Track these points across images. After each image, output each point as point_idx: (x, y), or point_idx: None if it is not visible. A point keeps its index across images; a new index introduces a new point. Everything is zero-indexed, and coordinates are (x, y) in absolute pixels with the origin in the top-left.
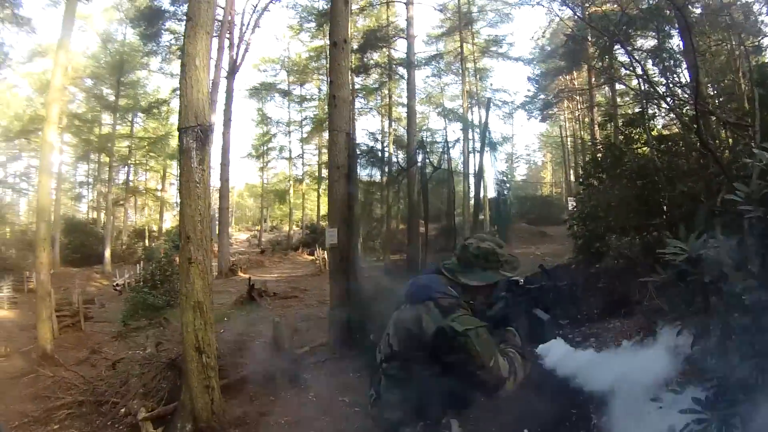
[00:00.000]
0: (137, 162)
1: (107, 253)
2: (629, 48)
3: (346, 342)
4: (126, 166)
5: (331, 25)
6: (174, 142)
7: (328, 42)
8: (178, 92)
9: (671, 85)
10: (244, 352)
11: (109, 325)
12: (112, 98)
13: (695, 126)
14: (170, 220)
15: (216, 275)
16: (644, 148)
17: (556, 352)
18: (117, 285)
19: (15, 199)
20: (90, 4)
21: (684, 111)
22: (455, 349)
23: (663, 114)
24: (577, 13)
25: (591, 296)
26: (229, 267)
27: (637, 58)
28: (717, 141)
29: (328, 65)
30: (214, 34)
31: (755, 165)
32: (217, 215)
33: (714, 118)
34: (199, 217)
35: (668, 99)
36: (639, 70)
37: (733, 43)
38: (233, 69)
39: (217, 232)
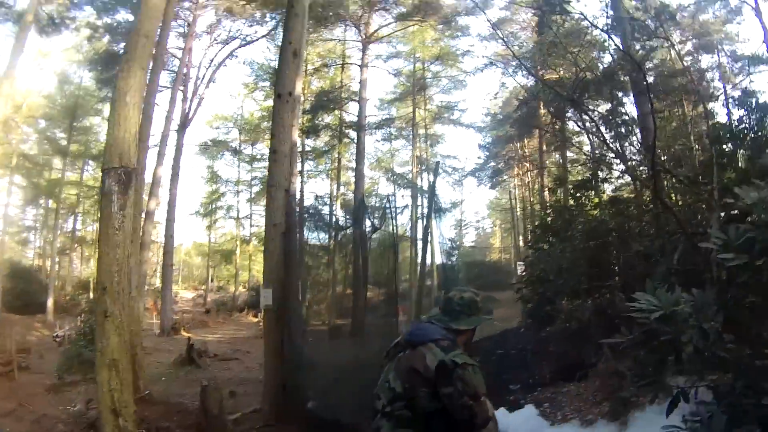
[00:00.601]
0: (85, 211)
1: (50, 303)
2: (583, 109)
3: (281, 409)
4: (73, 215)
5: (277, 76)
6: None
7: None
8: None
9: (624, 148)
10: (171, 416)
11: (44, 377)
12: (63, 142)
13: (652, 184)
14: None
15: (158, 333)
16: (595, 211)
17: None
18: (57, 336)
19: None
20: (50, 42)
21: (637, 173)
22: (455, 380)
23: (615, 178)
24: (532, 73)
25: (543, 360)
26: (171, 326)
27: (590, 120)
28: (674, 198)
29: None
30: (168, 86)
31: (715, 216)
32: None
33: (669, 179)
34: (116, 267)
35: (621, 161)
36: (592, 132)
37: (686, 107)
38: (185, 122)
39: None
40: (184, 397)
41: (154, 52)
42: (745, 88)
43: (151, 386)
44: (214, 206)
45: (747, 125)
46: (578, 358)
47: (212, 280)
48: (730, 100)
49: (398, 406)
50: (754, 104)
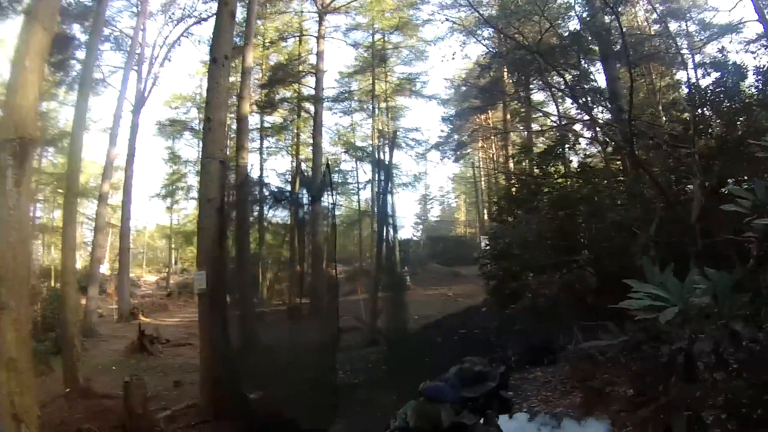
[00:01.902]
0: (46, 198)
1: None
2: (552, 66)
3: (219, 403)
4: (34, 203)
5: (213, 38)
6: (84, 178)
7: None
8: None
9: (594, 114)
10: (97, 416)
11: None
12: None
13: (629, 147)
14: (80, 261)
15: (116, 319)
16: (561, 180)
17: None
18: None
19: None
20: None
21: (608, 139)
22: None
23: (582, 147)
24: (495, 28)
25: (508, 341)
26: (130, 311)
27: (557, 86)
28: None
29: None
30: (121, 66)
31: (697, 183)
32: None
33: (646, 143)
34: (12, 253)
35: (590, 127)
36: (562, 91)
37: (653, 76)
38: (140, 102)
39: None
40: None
41: (92, 24)
42: (722, 48)
43: (99, 377)
44: (174, 187)
45: (723, 89)
46: (546, 339)
47: (176, 263)
48: (702, 67)
49: None
50: (730, 66)
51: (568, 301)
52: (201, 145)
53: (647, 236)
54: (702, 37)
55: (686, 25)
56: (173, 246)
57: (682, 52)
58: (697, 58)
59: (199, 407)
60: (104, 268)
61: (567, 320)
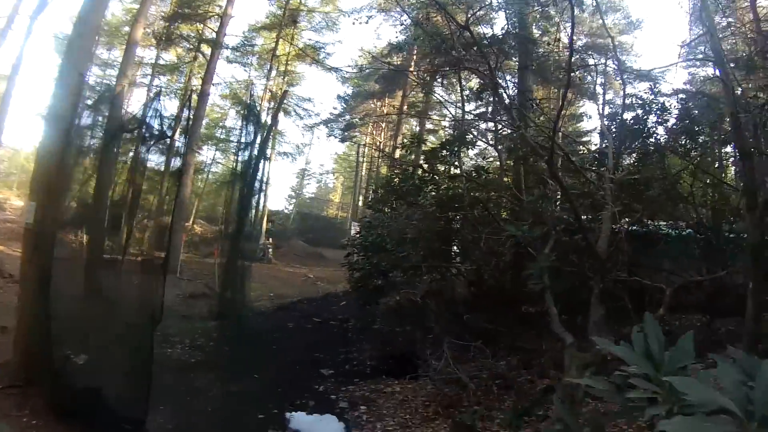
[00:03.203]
0: None
1: None
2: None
3: (34, 365)
4: None
5: None
6: None
7: None
8: None
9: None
10: None
11: None
12: None
13: (547, 159)
14: None
15: None
16: (451, 180)
17: None
18: None
19: None
20: None
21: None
22: None
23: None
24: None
25: (366, 342)
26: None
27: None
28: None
29: None
30: None
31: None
32: None
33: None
34: None
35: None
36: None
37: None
38: (41, 8)
39: None
40: None
41: None
42: (651, 87)
43: None
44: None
45: (642, 126)
46: (409, 349)
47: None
48: (629, 98)
49: None
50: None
51: (438, 311)
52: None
53: (546, 258)
54: (618, 79)
55: (605, 62)
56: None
57: (598, 84)
58: (609, 95)
59: (9, 366)
60: None
61: (435, 332)
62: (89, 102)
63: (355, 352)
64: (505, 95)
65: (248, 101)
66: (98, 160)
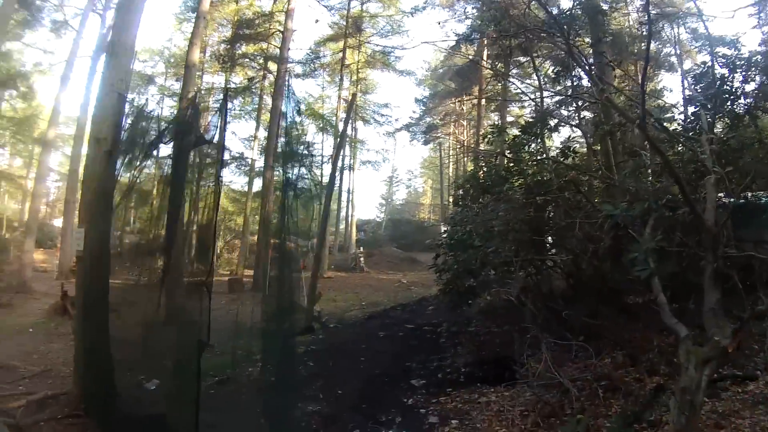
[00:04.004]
0: (2, 144)
1: None
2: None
3: (100, 393)
4: None
5: None
6: (44, 125)
7: None
8: (40, 67)
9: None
10: None
11: None
12: None
13: (641, 129)
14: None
15: (56, 276)
16: (537, 165)
17: None
18: None
19: None
20: None
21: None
22: None
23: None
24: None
25: (460, 347)
26: (70, 267)
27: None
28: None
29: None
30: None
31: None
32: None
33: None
34: None
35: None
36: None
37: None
38: (101, 48)
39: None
40: (30, 357)
41: None
42: (736, 43)
43: (5, 340)
44: (138, 144)
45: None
46: (505, 351)
47: (135, 222)
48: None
49: None
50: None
51: (535, 307)
52: (161, 103)
53: (651, 238)
54: (695, 46)
55: (677, 30)
56: (131, 204)
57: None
58: (687, 65)
59: (70, 395)
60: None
61: (532, 332)
62: (145, 124)
63: (448, 358)
64: (584, 64)
65: (323, 115)
66: (166, 181)
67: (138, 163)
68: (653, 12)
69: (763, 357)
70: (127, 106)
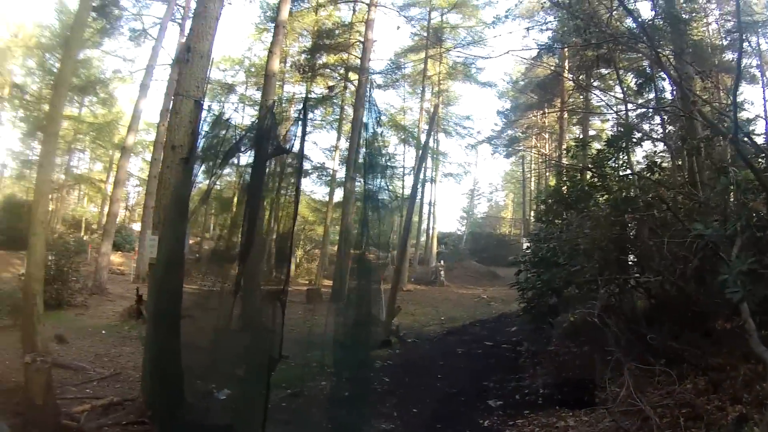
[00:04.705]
0: (83, 148)
1: None
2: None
3: (166, 400)
4: (69, 152)
5: None
6: (123, 131)
7: None
8: (119, 74)
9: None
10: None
11: None
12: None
13: (731, 140)
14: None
15: (133, 279)
16: (621, 180)
17: None
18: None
19: None
20: None
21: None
22: None
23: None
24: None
25: (539, 367)
26: (146, 271)
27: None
28: None
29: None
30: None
31: None
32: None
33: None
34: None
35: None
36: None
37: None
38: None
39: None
40: (100, 360)
41: None
42: None
43: (79, 341)
44: (214, 151)
45: None
46: (586, 373)
47: (214, 228)
48: None
49: None
50: None
51: (617, 328)
52: (242, 111)
53: (744, 259)
54: None
55: (758, 40)
56: (211, 211)
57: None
58: None
59: (136, 402)
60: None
61: (614, 354)
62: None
63: (527, 378)
64: (671, 74)
65: (404, 126)
66: (245, 189)
67: (216, 170)
68: (731, 23)
69: None
70: (204, 114)
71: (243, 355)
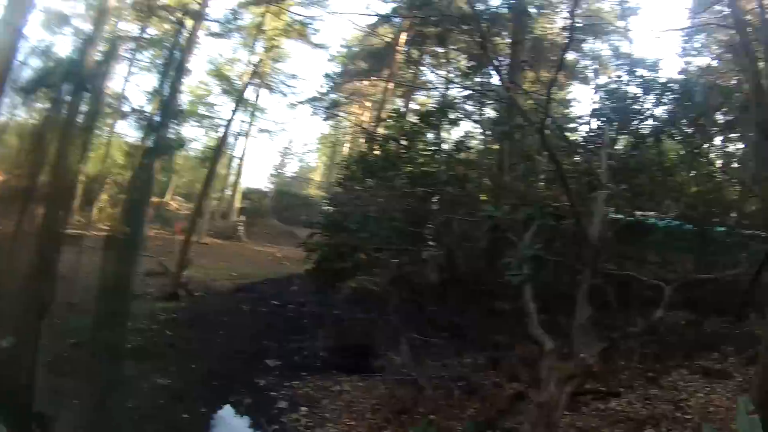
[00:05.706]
0: None
1: None
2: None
3: None
4: None
5: None
6: None
7: None
8: None
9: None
10: None
11: None
12: None
13: (537, 124)
14: None
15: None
16: (430, 154)
17: None
18: None
19: None
20: None
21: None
22: None
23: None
24: None
25: (321, 331)
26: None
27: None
28: None
29: None
30: None
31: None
32: None
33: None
34: None
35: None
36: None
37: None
38: None
39: None
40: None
41: None
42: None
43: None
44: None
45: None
46: (365, 341)
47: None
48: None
49: None
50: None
51: (400, 299)
52: None
53: (529, 246)
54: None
55: (600, 45)
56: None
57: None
58: (600, 80)
59: None
60: None
61: (394, 323)
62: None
63: (308, 340)
64: (495, 63)
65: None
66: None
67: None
68: (580, 24)
69: (628, 374)
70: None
71: (24, 301)
